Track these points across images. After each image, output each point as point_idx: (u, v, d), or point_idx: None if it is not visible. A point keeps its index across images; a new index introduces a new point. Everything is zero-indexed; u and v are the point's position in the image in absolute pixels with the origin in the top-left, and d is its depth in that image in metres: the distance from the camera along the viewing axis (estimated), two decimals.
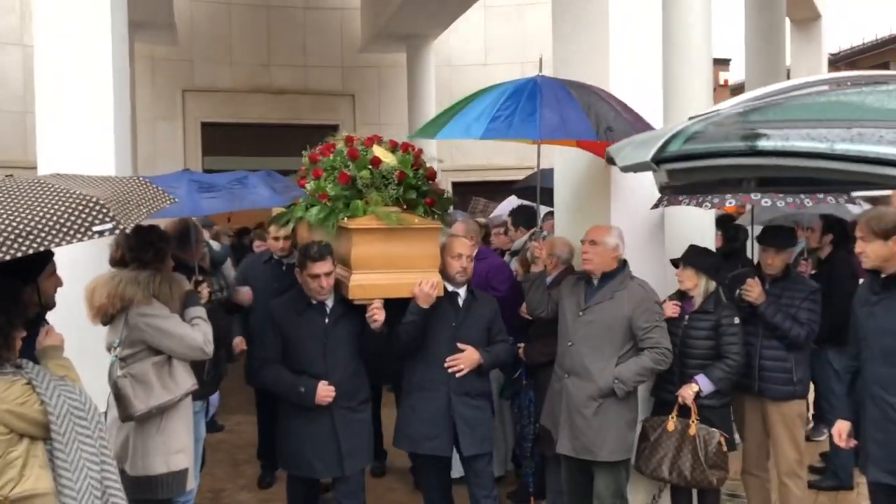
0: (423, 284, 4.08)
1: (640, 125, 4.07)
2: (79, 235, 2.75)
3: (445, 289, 4.28)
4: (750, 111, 1.38)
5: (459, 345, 4.24)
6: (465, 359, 4.24)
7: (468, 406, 4.25)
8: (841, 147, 1.16)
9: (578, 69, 4.75)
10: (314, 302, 4.13)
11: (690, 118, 1.50)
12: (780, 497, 4.62)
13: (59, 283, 3.23)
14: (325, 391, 4.02)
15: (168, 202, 3.73)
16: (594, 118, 3.86)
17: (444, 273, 4.31)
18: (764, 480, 4.69)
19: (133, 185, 3.48)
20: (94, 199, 2.84)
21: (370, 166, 4.22)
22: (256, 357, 4.14)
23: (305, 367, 4.08)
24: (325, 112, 12.85)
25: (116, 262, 3.66)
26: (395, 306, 4.17)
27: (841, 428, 3.83)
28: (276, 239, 5.35)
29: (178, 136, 12.04)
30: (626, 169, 1.55)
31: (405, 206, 4.27)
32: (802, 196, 4.16)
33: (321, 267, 4.02)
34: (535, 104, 3.81)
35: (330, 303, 4.16)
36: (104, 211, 2.82)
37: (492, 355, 4.34)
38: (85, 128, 4.01)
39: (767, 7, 9.44)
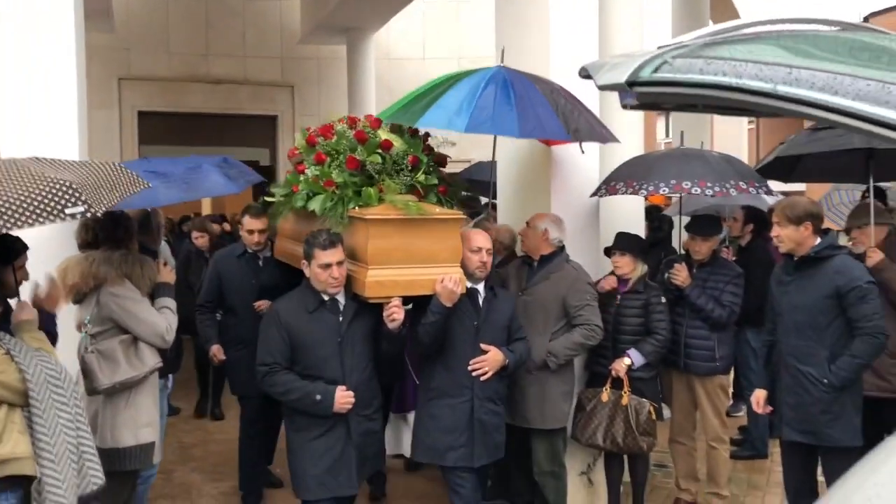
0: (447, 280, 3.70)
1: (594, 120, 4.41)
2: (51, 217, 2.91)
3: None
4: (712, 45, 1.60)
5: (483, 346, 3.94)
6: (491, 361, 3.93)
7: (489, 413, 3.97)
8: (782, 89, 1.42)
9: (519, 62, 5.07)
10: (326, 298, 3.71)
11: (659, 47, 1.69)
12: (707, 460, 5.05)
13: (26, 276, 3.37)
14: (344, 397, 3.60)
15: (142, 186, 3.89)
16: (563, 118, 4.09)
17: (462, 268, 3.93)
18: (690, 448, 5.11)
19: (107, 169, 3.63)
20: (66, 183, 3.00)
21: (380, 150, 3.87)
22: (262, 363, 3.65)
23: (319, 371, 3.66)
24: (264, 102, 12.90)
25: (87, 244, 3.79)
26: (412, 304, 3.90)
27: (758, 396, 4.25)
28: (251, 232, 4.97)
29: (113, 125, 11.92)
30: (602, 87, 1.73)
31: (420, 195, 3.94)
32: (728, 186, 4.54)
33: (333, 255, 3.61)
34: (510, 99, 3.95)
35: (342, 300, 3.76)
36: (76, 194, 2.98)
37: (516, 355, 4.04)
38: (48, 116, 4.09)
39: (692, 14, 10.03)
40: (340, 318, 3.71)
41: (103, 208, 3.19)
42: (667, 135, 6.91)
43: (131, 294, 3.71)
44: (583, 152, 4.69)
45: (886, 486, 1.19)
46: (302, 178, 4.03)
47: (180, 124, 12.69)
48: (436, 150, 4.21)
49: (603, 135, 4.40)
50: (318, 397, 3.59)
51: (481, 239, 4.02)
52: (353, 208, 3.78)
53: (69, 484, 2.83)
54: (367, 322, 3.78)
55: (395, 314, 3.67)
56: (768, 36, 1.73)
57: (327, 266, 3.61)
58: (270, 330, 3.69)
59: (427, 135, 4.20)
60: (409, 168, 3.91)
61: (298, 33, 12.87)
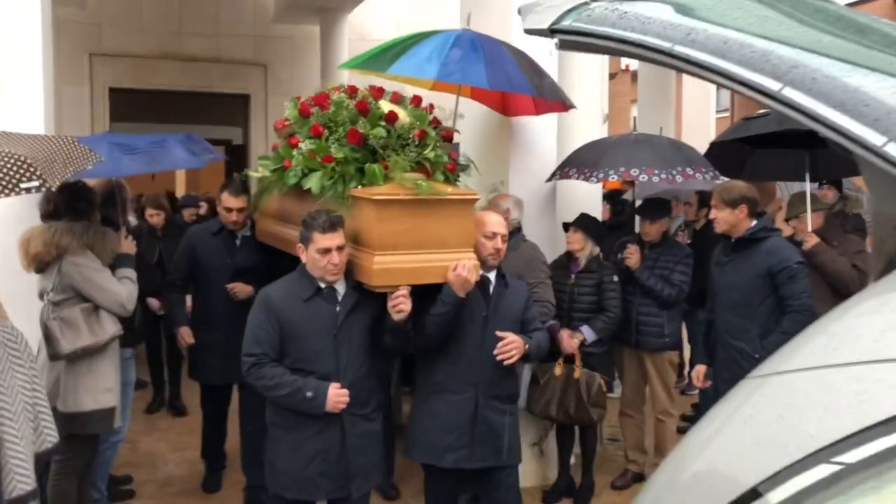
0: (460, 268, 3.37)
1: (556, 86, 4.61)
2: (6, 191, 3.03)
3: None
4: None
5: (499, 333, 3.58)
6: (517, 343, 3.59)
7: (495, 411, 3.64)
8: (679, 49, 1.50)
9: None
10: (322, 286, 3.35)
11: None
12: (655, 432, 5.25)
13: None
14: (337, 395, 3.27)
15: (94, 160, 3.99)
16: (528, 77, 4.19)
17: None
18: (639, 421, 5.31)
19: (61, 143, 3.73)
20: (21, 158, 3.10)
21: (384, 122, 3.50)
22: (249, 353, 3.29)
23: (312, 366, 3.31)
24: (236, 81, 12.87)
25: (49, 215, 3.88)
26: (417, 293, 3.50)
27: (699, 371, 4.46)
28: (230, 210, 4.59)
29: (84, 101, 11.85)
30: (527, 31, 1.78)
31: (428, 173, 3.58)
32: (674, 173, 4.72)
33: (333, 239, 3.26)
34: (479, 54, 4.01)
35: (341, 288, 3.40)
36: (31, 169, 3.10)
37: (534, 342, 3.71)
38: (14, 90, 4.15)
39: None
40: (338, 309, 3.36)
41: (57, 182, 3.30)
42: (634, 125, 6.98)
43: (93, 264, 3.80)
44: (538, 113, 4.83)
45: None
46: (295, 152, 3.60)
47: (152, 102, 12.65)
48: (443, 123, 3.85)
49: (563, 98, 4.56)
50: (310, 394, 3.23)
51: (497, 223, 3.72)
52: (356, 187, 3.41)
53: (27, 441, 2.92)
54: (366, 313, 3.42)
55: (402, 305, 3.31)
56: None
57: (326, 251, 3.25)
58: (260, 317, 3.31)
59: (431, 106, 3.88)
60: (416, 143, 3.53)
61: (272, 12, 12.85)
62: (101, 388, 3.83)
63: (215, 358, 4.62)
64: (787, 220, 5.22)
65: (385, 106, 3.59)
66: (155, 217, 6.59)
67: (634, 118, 6.18)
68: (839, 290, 4.58)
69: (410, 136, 3.54)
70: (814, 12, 1.78)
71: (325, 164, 3.48)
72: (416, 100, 3.80)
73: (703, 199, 6.43)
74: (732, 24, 1.60)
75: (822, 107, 1.29)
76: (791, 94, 1.32)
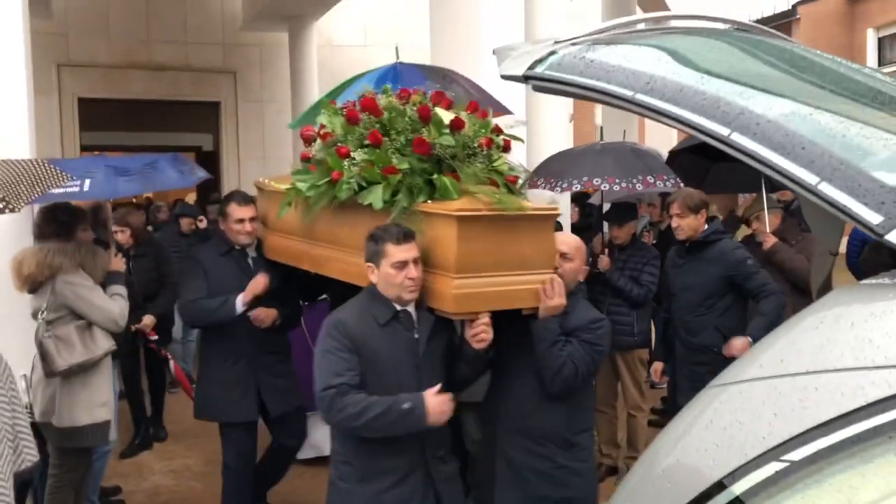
0: (550, 289, 2.99)
1: (493, 103, 4.78)
2: None
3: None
4: (597, 46, 1.80)
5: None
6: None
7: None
8: (640, 97, 1.64)
9: (450, 57, 5.40)
10: (399, 308, 2.98)
11: (556, 42, 1.85)
12: (627, 427, 5.48)
13: None
14: (440, 402, 2.84)
15: (64, 180, 4.10)
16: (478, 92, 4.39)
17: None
18: (611, 416, 5.53)
19: (28, 166, 3.84)
20: None
21: (450, 130, 3.13)
22: (327, 387, 2.83)
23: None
24: (206, 88, 12.91)
25: (41, 236, 3.99)
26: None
27: (657, 367, 4.77)
28: (241, 221, 4.17)
29: (53, 111, 11.82)
30: (503, 77, 1.89)
31: (496, 186, 3.22)
32: (634, 181, 4.96)
33: (409, 251, 2.90)
34: (382, 82, 4.19)
35: (413, 312, 3.02)
36: None
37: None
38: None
39: (622, 10, 10.45)
40: (416, 335, 3.00)
41: (22, 204, 3.43)
42: (601, 134, 7.23)
43: (85, 282, 3.91)
44: (511, 126, 5.03)
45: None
46: (346, 163, 3.19)
47: (122, 111, 12.64)
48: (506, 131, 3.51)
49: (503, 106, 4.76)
50: (407, 405, 2.80)
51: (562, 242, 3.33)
52: (425, 202, 3.03)
53: (5, 461, 3.00)
54: (442, 339, 3.10)
55: (485, 334, 2.92)
56: (651, 37, 2.02)
57: (403, 264, 2.88)
58: (335, 346, 2.89)
59: (487, 111, 3.52)
60: (484, 152, 3.20)
61: (240, 20, 12.91)
62: (96, 403, 3.93)
63: (236, 394, 4.20)
64: (744, 217, 5.47)
65: (443, 113, 3.24)
66: (120, 234, 6.04)
67: (601, 128, 6.40)
68: (798, 286, 4.83)
69: (475, 144, 3.20)
70: (775, 53, 1.97)
71: (387, 176, 3.08)
72: (473, 105, 3.43)
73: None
74: (692, 67, 1.78)
75: (766, 150, 1.48)
76: (738, 138, 1.51)
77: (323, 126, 3.43)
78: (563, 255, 3.28)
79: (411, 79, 4.37)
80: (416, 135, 3.12)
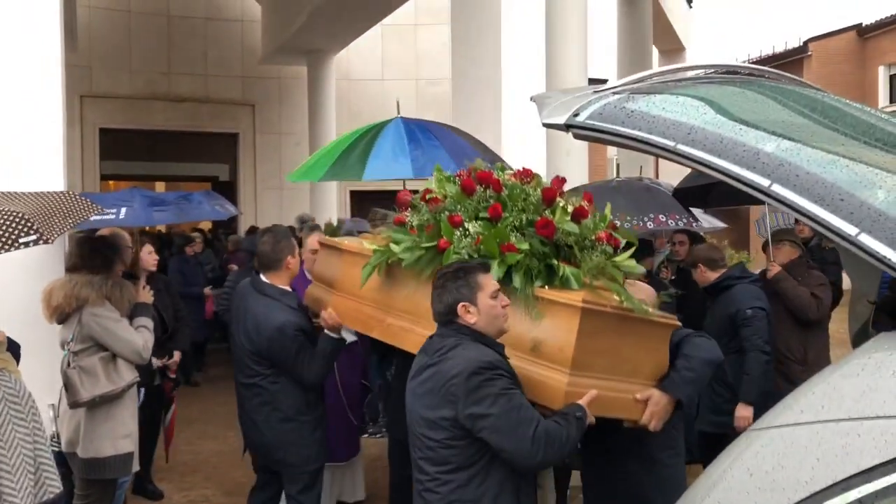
0: (658, 414, 2.75)
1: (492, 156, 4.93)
2: (6, 247, 3.26)
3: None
4: (636, 96, 1.87)
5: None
6: None
7: None
8: (681, 147, 1.70)
9: (474, 87, 5.51)
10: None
11: (595, 91, 1.94)
12: None
13: None
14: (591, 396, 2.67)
15: (94, 212, 4.19)
16: (480, 150, 4.63)
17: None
18: None
19: (60, 198, 3.93)
20: (19, 215, 3.34)
21: (575, 218, 3.00)
22: (537, 423, 2.52)
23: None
24: (225, 120, 13.11)
25: (72, 268, 4.05)
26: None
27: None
28: (316, 251, 4.19)
29: (75, 142, 12.00)
30: (545, 125, 1.96)
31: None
32: (646, 220, 5.05)
33: (494, 281, 2.78)
34: (436, 142, 4.51)
35: None
36: (28, 224, 3.33)
37: None
38: (36, 139, 4.34)
39: (636, 39, 10.60)
40: None
41: (56, 236, 3.51)
42: (617, 171, 7.34)
43: (111, 314, 3.96)
44: None
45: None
46: (459, 232, 3.03)
47: (141, 141, 12.84)
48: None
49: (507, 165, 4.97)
50: (579, 413, 2.59)
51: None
52: (541, 286, 2.82)
53: (25, 493, 3.03)
54: None
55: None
56: (688, 87, 2.08)
57: (497, 293, 2.71)
58: (509, 386, 2.58)
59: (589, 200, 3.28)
60: (605, 246, 3.01)
61: (260, 53, 13.13)
62: (120, 435, 3.96)
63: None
64: (764, 249, 5.51)
65: (568, 200, 3.11)
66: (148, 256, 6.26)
67: (617, 164, 6.50)
68: (797, 315, 4.93)
69: (594, 237, 3.03)
70: (807, 102, 2.02)
71: (504, 254, 2.90)
72: (587, 197, 3.27)
73: (690, 238, 6.70)
74: (729, 118, 1.83)
75: (806, 202, 1.53)
76: (779, 189, 1.56)
77: (429, 191, 3.28)
78: None
79: (439, 131, 4.67)
80: (538, 216, 2.98)
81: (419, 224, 3.16)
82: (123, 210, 4.19)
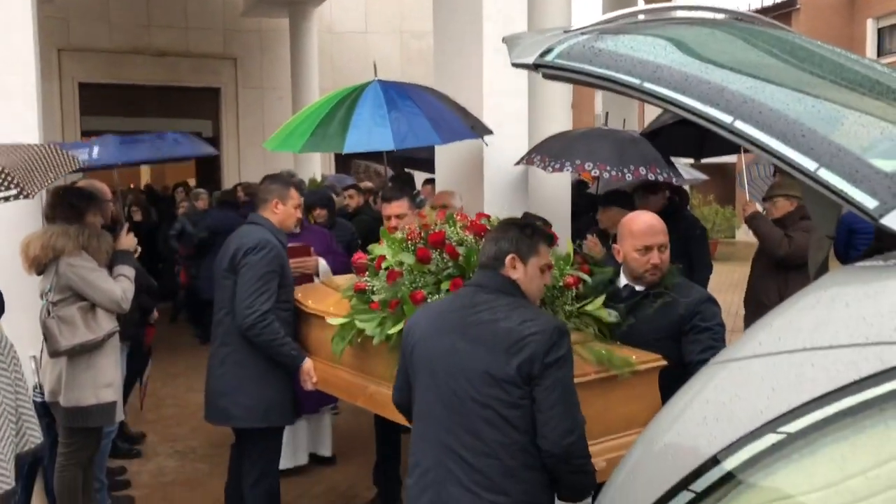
0: None
1: (473, 117, 4.93)
2: None
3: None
4: (604, 35, 1.86)
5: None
6: None
7: None
8: (647, 85, 1.69)
9: (455, 40, 5.46)
10: None
11: (565, 31, 1.92)
12: None
13: None
14: None
15: (76, 165, 4.17)
16: (460, 115, 4.60)
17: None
18: None
19: (41, 152, 3.89)
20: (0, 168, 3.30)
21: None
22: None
23: None
24: (206, 75, 12.94)
25: (48, 219, 4.05)
26: None
27: None
28: (388, 218, 4.23)
29: (54, 96, 11.84)
30: (514, 65, 1.93)
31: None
32: (625, 171, 4.99)
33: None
34: (416, 109, 4.48)
35: None
36: (9, 178, 3.31)
37: None
38: (8, 91, 4.27)
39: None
40: None
41: (36, 190, 3.48)
42: (606, 119, 7.25)
43: (88, 264, 3.96)
44: (486, 145, 5.09)
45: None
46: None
47: (122, 96, 12.66)
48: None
49: (486, 128, 4.97)
50: None
51: (652, 230, 3.08)
52: None
53: (7, 442, 3.05)
54: None
55: None
56: (656, 27, 2.07)
57: (546, 270, 2.67)
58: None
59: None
60: (573, 294, 2.91)
61: (241, 6, 12.92)
62: (101, 384, 3.98)
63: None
64: (765, 199, 5.53)
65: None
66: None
67: (606, 114, 6.49)
68: (770, 255, 5.04)
69: (561, 284, 2.93)
70: (776, 43, 2.02)
71: None
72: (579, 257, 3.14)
73: (678, 192, 6.72)
74: (696, 57, 1.83)
75: (767, 137, 1.54)
76: (741, 126, 1.57)
77: (383, 258, 3.23)
78: (662, 246, 3.04)
79: (419, 97, 4.63)
80: None
81: (381, 301, 3.09)
82: (96, 149, 4.19)
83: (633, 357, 2.76)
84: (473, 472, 2.38)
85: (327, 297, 3.69)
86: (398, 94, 4.69)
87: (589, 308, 2.90)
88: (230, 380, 3.80)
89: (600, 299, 2.94)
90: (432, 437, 2.48)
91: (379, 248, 3.36)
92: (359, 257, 3.49)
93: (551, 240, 2.69)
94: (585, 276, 3.05)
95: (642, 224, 3.08)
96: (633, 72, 1.74)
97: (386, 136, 4.39)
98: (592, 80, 1.81)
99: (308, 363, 3.72)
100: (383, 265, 3.23)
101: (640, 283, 3.09)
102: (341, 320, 3.27)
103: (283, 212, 3.93)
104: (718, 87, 1.69)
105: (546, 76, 1.93)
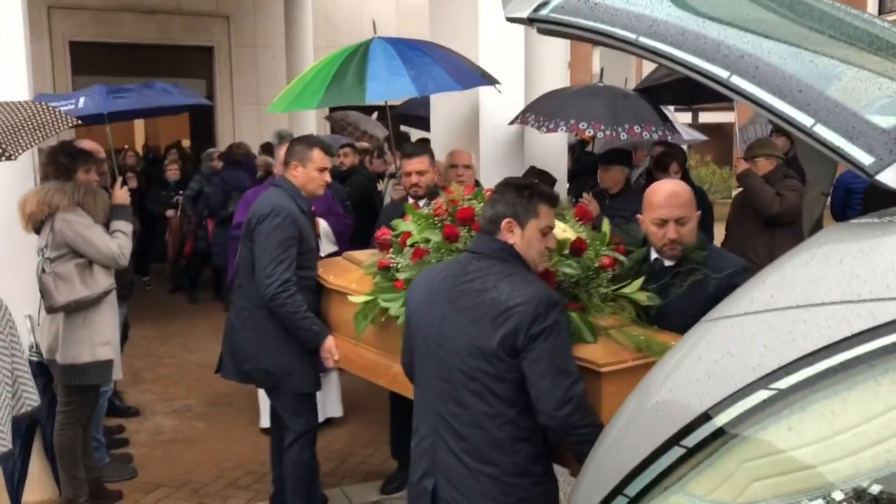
0: None
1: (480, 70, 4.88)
2: None
3: None
4: None
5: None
6: None
7: None
8: (643, 40, 1.67)
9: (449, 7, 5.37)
10: None
11: None
12: None
13: None
14: None
15: (69, 124, 4.12)
16: (471, 66, 4.56)
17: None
18: None
19: (31, 111, 3.84)
20: None
21: (574, 252, 2.74)
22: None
23: None
24: (198, 33, 12.74)
25: (43, 177, 4.04)
26: None
27: None
28: (409, 174, 4.26)
29: (45, 55, 11.66)
30: (508, 19, 1.92)
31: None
32: (619, 129, 4.96)
33: (553, 218, 2.63)
34: (428, 59, 4.46)
35: None
36: None
37: None
38: None
39: None
40: None
41: (20, 151, 3.44)
42: (601, 76, 7.15)
43: (83, 220, 3.94)
44: (500, 92, 5.03)
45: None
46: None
47: (114, 55, 12.47)
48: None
49: (493, 77, 4.89)
50: None
51: (669, 203, 2.84)
52: None
53: (4, 405, 3.05)
54: None
55: None
56: None
57: (547, 232, 2.53)
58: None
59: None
60: (610, 277, 2.76)
61: None
62: (98, 342, 3.98)
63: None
64: (745, 159, 5.52)
65: (561, 230, 2.75)
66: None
67: (601, 70, 6.43)
68: (761, 213, 5.02)
69: (596, 265, 2.76)
70: None
71: None
72: (581, 210, 3.02)
73: (673, 149, 6.68)
74: (693, 12, 1.81)
75: (763, 93, 1.52)
76: (738, 81, 1.55)
77: (409, 234, 3.10)
78: (681, 220, 2.82)
79: (426, 47, 4.65)
80: None
81: (406, 279, 2.97)
82: (82, 99, 4.15)
83: (673, 342, 2.51)
84: (461, 440, 2.37)
85: (348, 273, 3.54)
86: (407, 47, 4.65)
87: (626, 290, 2.73)
88: (251, 344, 3.70)
89: (638, 281, 2.76)
90: (428, 404, 2.47)
91: (404, 224, 3.22)
92: (382, 233, 3.33)
93: (554, 200, 2.54)
94: (622, 257, 2.86)
95: (661, 194, 2.85)
96: (629, 26, 1.72)
97: (406, 84, 4.37)
98: (588, 35, 1.79)
99: (330, 340, 3.59)
100: (408, 242, 3.10)
101: (666, 258, 2.91)
102: (364, 298, 3.15)
103: (303, 175, 3.73)
104: (715, 41, 1.66)
105: (541, 31, 1.90)
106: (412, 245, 3.07)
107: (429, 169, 4.25)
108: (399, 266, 3.07)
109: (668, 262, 2.90)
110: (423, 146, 4.40)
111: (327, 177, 3.84)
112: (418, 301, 2.54)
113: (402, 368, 2.73)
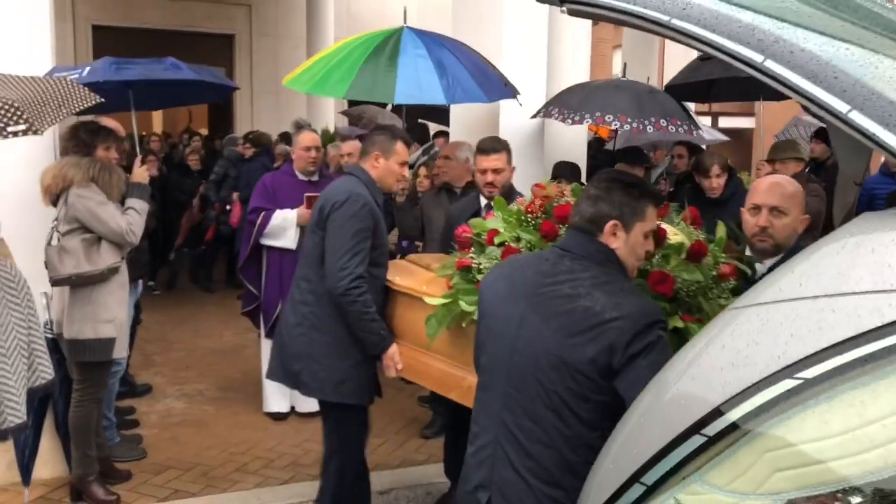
0: None
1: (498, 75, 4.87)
2: None
3: None
4: None
5: None
6: None
7: None
8: (676, 22, 1.64)
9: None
10: None
11: None
12: None
13: None
14: None
15: (92, 101, 4.13)
16: (497, 75, 4.62)
17: None
18: None
19: (56, 86, 3.85)
20: (9, 102, 3.28)
21: (692, 258, 2.55)
22: None
23: None
24: (220, 21, 12.78)
25: (62, 151, 4.08)
26: None
27: None
28: (485, 172, 3.91)
29: (68, 38, 11.73)
30: (539, 1, 1.88)
31: None
32: (646, 123, 4.92)
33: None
34: (460, 65, 4.49)
35: None
36: (18, 113, 3.28)
37: None
38: (22, 28, 4.21)
39: None
40: None
41: (46, 126, 3.45)
42: (624, 71, 7.09)
43: (96, 196, 3.94)
44: (521, 105, 5.02)
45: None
46: None
47: (136, 40, 12.52)
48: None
49: (515, 87, 4.89)
50: None
51: (769, 192, 2.72)
52: None
53: (19, 376, 3.07)
54: None
55: None
56: None
57: (650, 235, 2.31)
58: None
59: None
60: (731, 286, 2.56)
61: None
62: (102, 319, 3.97)
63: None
64: (769, 161, 5.47)
65: (672, 232, 2.59)
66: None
67: (625, 65, 6.42)
68: None
69: (714, 274, 2.57)
70: None
71: None
72: (693, 212, 2.82)
73: (691, 151, 6.64)
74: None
75: (798, 78, 1.49)
76: (772, 65, 1.52)
77: (496, 232, 2.89)
78: (775, 210, 2.67)
79: (456, 50, 4.62)
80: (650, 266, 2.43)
81: None
82: (87, 69, 4.22)
83: None
84: (527, 458, 2.11)
85: (416, 275, 3.32)
86: (435, 43, 4.61)
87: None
88: (306, 343, 3.41)
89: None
90: (494, 411, 2.20)
91: (489, 222, 3.01)
92: (462, 231, 3.10)
93: (660, 199, 2.34)
94: (744, 267, 2.64)
95: (764, 182, 2.73)
96: (661, 8, 1.69)
97: (437, 91, 4.34)
98: (619, 17, 1.76)
99: (394, 347, 3.31)
100: (496, 239, 2.89)
101: (757, 254, 2.73)
102: (442, 300, 2.89)
103: (383, 167, 3.48)
104: (749, 25, 1.63)
105: (571, 12, 1.87)
106: (500, 244, 2.86)
107: (506, 167, 3.89)
108: (481, 266, 2.82)
109: (758, 265, 2.71)
110: (501, 140, 3.98)
111: (406, 171, 3.62)
112: (496, 296, 2.28)
113: (475, 367, 2.44)
